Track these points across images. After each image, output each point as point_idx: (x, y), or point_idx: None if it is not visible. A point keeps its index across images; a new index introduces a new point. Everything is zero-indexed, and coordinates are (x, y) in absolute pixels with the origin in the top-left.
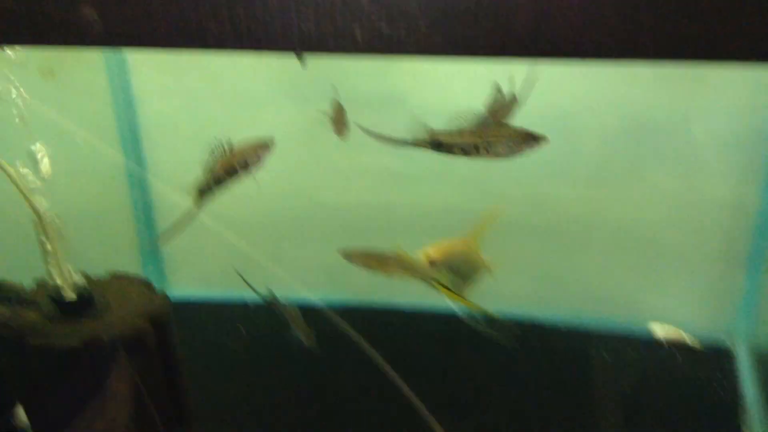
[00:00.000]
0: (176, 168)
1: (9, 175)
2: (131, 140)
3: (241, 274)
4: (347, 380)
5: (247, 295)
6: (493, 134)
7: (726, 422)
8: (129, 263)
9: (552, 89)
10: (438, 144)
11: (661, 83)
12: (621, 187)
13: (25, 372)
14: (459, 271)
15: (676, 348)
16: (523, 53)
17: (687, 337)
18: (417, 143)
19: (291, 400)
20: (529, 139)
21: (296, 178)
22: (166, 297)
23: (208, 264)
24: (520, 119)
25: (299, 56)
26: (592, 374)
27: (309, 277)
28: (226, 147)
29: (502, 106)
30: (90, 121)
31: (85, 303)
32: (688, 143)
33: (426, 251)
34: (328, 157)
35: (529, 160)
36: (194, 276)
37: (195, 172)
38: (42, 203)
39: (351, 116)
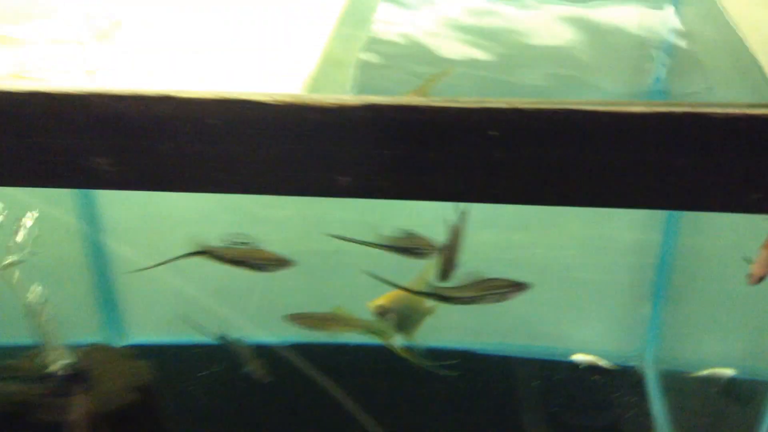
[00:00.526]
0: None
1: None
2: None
3: (188, 319)
4: (304, 409)
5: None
6: (486, 287)
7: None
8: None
9: None
10: (444, 298)
11: None
12: (540, 233)
13: None
14: (406, 316)
15: (594, 370)
16: None
17: (603, 362)
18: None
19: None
20: (515, 287)
21: None
22: (146, 365)
23: (163, 311)
24: None
25: None
26: (523, 394)
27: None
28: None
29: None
30: None
31: (79, 378)
32: None
33: (376, 302)
34: None
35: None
36: (150, 323)
37: None
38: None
39: None
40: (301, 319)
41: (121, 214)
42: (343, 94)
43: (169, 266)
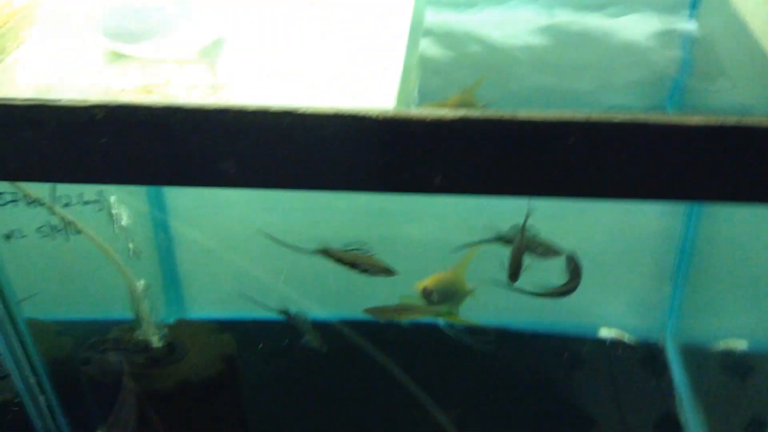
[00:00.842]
0: None
1: (102, 250)
2: None
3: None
4: (358, 384)
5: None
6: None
7: (662, 397)
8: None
9: None
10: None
11: None
12: (572, 222)
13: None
14: (448, 297)
15: (620, 345)
16: None
17: (627, 337)
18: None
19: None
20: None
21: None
22: (231, 337)
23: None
24: None
25: None
26: (555, 369)
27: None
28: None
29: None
30: None
31: (173, 350)
32: None
33: (422, 283)
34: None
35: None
36: (210, 299)
37: None
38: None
39: None
40: (377, 311)
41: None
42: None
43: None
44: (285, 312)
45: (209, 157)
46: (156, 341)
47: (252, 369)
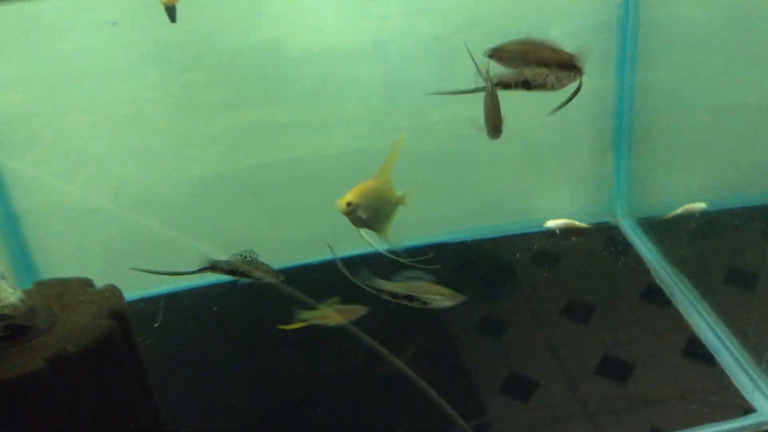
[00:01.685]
0: None
1: None
2: None
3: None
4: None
5: None
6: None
7: (638, 274)
8: None
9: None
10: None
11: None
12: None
13: None
14: (377, 209)
15: (571, 232)
16: None
17: (577, 223)
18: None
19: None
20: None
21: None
22: (115, 288)
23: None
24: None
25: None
26: (510, 269)
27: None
28: None
29: None
30: None
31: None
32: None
33: (345, 198)
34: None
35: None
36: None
37: None
38: None
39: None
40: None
41: None
42: None
43: None
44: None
45: None
46: (16, 303)
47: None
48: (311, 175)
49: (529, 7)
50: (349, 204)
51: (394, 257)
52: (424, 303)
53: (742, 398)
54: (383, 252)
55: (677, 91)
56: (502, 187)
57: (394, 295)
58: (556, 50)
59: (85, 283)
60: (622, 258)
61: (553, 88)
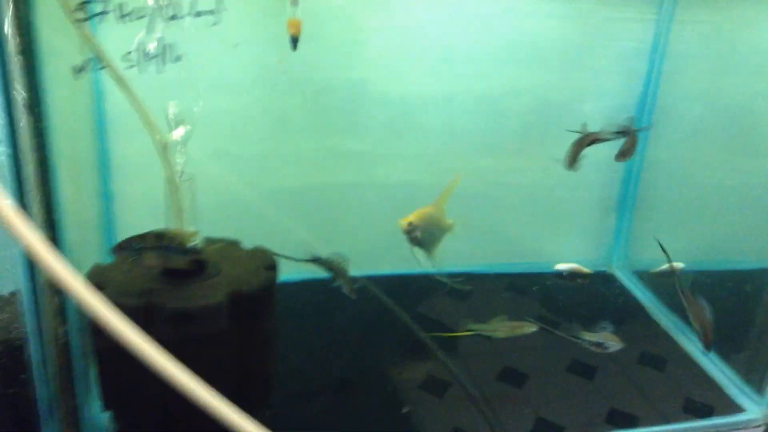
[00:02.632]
0: None
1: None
2: None
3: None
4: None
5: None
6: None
7: (634, 313)
8: None
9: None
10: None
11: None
12: (532, 158)
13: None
14: (431, 231)
15: (577, 276)
16: None
17: (582, 268)
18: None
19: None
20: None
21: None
22: (265, 248)
23: None
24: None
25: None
26: (527, 299)
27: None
28: None
29: None
30: None
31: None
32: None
33: (406, 219)
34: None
35: (465, 138)
36: None
37: None
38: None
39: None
40: None
41: None
42: None
43: None
44: (317, 259)
45: None
46: (199, 245)
47: None
48: (371, 198)
49: (566, 86)
50: (410, 224)
51: (437, 276)
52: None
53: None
54: (428, 270)
55: (675, 170)
56: (523, 230)
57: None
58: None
59: (236, 243)
60: (620, 298)
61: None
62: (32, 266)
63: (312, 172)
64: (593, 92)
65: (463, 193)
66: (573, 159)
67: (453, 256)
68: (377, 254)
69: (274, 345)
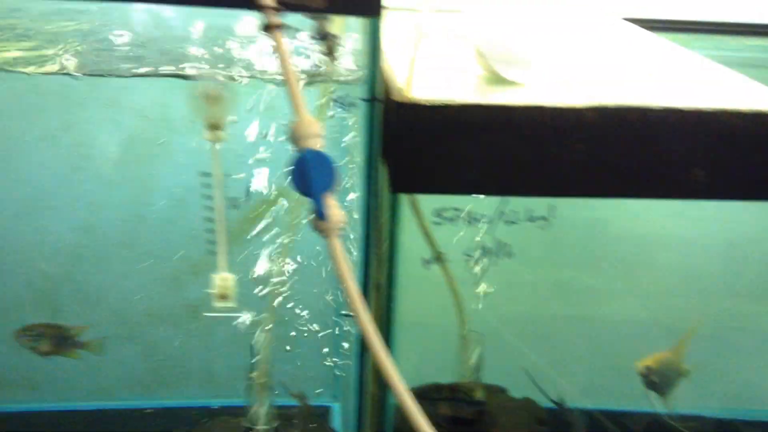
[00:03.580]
0: None
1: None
2: None
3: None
4: None
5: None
6: None
7: None
8: None
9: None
10: None
11: None
12: None
13: None
14: (668, 376)
15: None
16: None
17: None
18: None
19: None
20: None
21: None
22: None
23: None
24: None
25: None
26: None
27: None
28: None
29: None
30: None
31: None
32: None
33: (644, 362)
34: (525, 273)
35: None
36: None
37: None
38: None
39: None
40: None
41: None
42: None
43: None
44: (561, 403)
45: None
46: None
47: None
48: (597, 333)
49: None
50: (647, 368)
51: (666, 418)
52: None
53: None
54: (659, 410)
55: None
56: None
57: None
58: None
59: (504, 390)
60: None
61: None
62: None
63: (545, 302)
64: None
65: (701, 334)
66: None
67: (687, 399)
68: (603, 388)
69: None
